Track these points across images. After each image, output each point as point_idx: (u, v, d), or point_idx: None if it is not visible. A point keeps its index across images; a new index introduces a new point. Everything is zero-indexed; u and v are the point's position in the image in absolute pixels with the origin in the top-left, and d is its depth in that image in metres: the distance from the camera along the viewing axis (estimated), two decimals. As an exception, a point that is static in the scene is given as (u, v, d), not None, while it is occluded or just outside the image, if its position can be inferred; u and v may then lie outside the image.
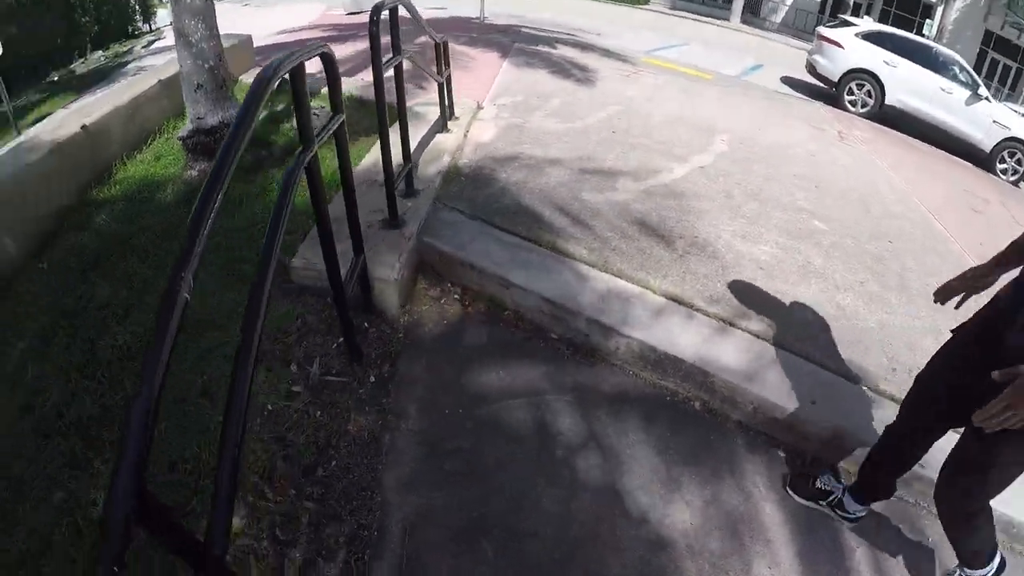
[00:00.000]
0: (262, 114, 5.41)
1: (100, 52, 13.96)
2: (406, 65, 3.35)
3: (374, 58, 2.75)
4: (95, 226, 4.14)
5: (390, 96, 3.02)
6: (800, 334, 2.85)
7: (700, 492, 2.24)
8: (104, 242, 3.85)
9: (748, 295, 3.06)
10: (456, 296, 3.07)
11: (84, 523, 2.15)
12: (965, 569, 2.11)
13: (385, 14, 2.88)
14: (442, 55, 4.57)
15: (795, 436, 2.47)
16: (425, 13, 3.55)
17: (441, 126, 4.63)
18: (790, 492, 2.32)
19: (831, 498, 2.25)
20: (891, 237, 4.09)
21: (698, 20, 23.04)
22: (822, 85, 11.69)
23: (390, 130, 2.94)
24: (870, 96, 10.85)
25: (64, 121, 5.22)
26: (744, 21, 24.22)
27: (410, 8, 3.37)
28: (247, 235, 3.48)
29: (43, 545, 2.11)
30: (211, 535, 1.15)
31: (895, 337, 2.99)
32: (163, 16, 17.15)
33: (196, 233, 1.22)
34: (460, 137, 4.67)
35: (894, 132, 9.17)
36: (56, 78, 12.49)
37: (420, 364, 2.66)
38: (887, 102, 10.76)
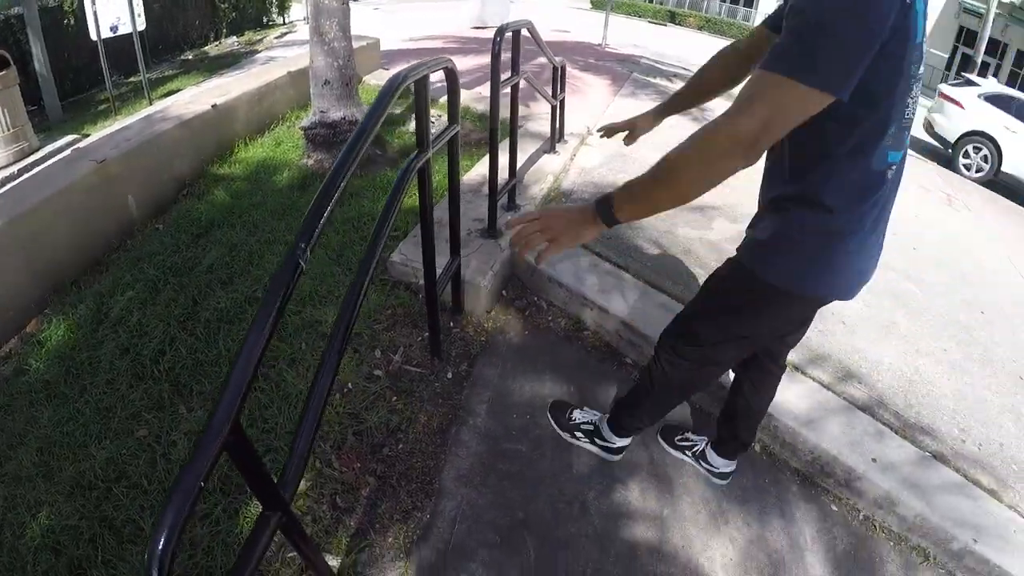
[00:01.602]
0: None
1: (234, 38, 15.00)
2: (521, 84, 3.50)
3: (493, 76, 2.94)
4: (211, 197, 4.54)
5: (504, 112, 3.16)
6: (875, 395, 2.79)
7: (746, 531, 2.25)
8: (217, 213, 4.23)
9: (826, 345, 3.02)
10: (539, 309, 3.21)
11: (160, 459, 2.37)
12: (605, 421, 2.35)
13: (508, 35, 3.03)
14: (559, 79, 4.77)
15: (850, 492, 2.43)
16: (548, 35, 3.70)
17: (549, 147, 4.85)
18: (660, 441, 2.50)
19: (695, 449, 2.42)
20: (984, 308, 3.93)
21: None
22: (938, 145, 11.26)
23: (500, 145, 3.09)
24: (986, 161, 10.35)
25: (196, 98, 5.66)
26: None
27: (533, 32, 3.54)
28: (353, 225, 3.75)
29: (118, 473, 2.34)
30: (283, 479, 1.32)
31: (970, 409, 2.88)
32: (296, 11, 18.10)
33: (320, 211, 1.35)
34: (566, 160, 4.85)
35: (1007, 201, 8.67)
36: (190, 57, 13.42)
37: (496, 368, 2.81)
38: (1003, 169, 10.21)
